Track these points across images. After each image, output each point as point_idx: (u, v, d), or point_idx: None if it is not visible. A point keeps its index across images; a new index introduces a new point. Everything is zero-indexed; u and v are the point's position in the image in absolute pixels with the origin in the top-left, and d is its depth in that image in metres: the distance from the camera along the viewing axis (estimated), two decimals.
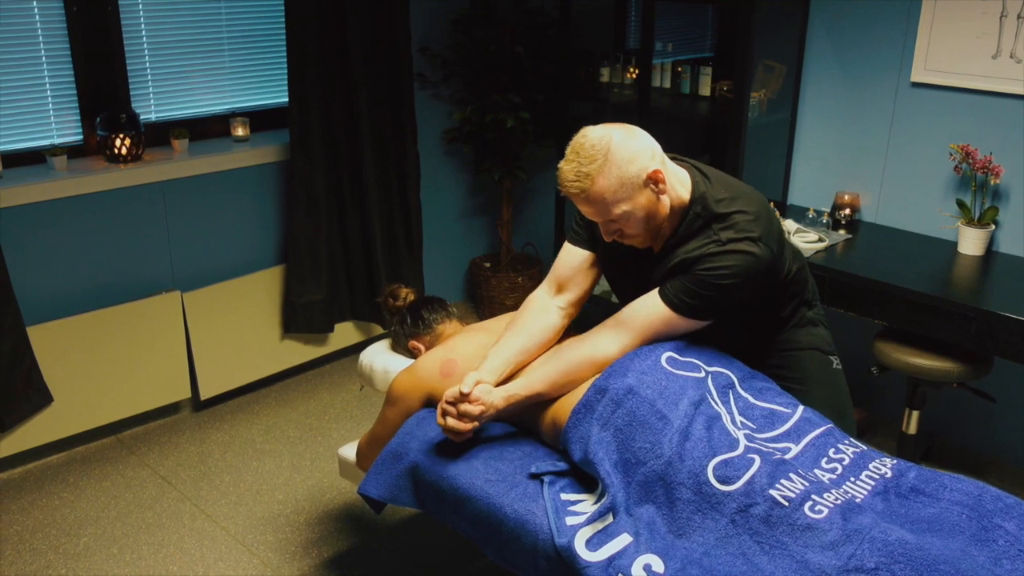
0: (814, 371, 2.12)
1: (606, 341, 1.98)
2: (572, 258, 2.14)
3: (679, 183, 1.94)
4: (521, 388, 1.96)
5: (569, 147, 1.87)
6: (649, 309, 1.96)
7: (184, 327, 3.29)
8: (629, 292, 2.07)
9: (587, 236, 2.12)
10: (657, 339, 1.98)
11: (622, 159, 1.83)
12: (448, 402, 1.91)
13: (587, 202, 1.86)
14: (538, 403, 1.99)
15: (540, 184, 4.27)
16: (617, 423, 1.82)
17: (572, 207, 2.06)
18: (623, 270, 2.11)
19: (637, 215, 1.87)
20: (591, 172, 1.82)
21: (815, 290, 2.22)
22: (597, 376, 1.92)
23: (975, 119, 2.96)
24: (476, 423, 1.92)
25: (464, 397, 1.89)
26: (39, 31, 2.97)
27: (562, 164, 1.87)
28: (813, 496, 1.67)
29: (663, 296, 1.95)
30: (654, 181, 1.86)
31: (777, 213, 2.11)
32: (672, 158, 2.00)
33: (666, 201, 1.91)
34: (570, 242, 2.15)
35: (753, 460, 1.72)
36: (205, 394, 3.41)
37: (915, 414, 2.90)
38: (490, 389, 1.94)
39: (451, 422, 1.91)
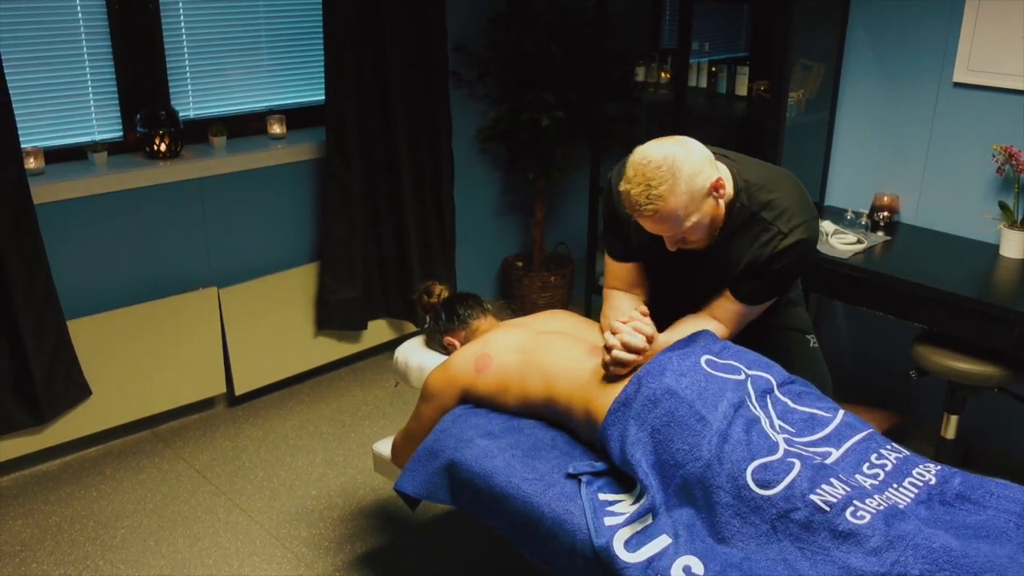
0: (796, 352, 2.24)
1: (712, 325, 2.10)
2: (625, 270, 2.22)
3: (727, 180, 2.00)
4: (674, 336, 2.04)
5: (630, 168, 1.88)
6: (735, 308, 2.09)
7: (220, 323, 3.32)
8: (674, 292, 2.18)
9: (626, 250, 2.19)
10: (740, 327, 2.12)
11: (689, 175, 1.86)
12: (622, 321, 1.95)
13: (660, 221, 1.89)
14: (575, 396, 1.98)
15: (573, 183, 4.26)
16: (655, 423, 1.80)
17: (614, 225, 2.18)
18: (667, 274, 2.19)
19: (703, 223, 1.93)
20: (662, 193, 1.84)
21: None
22: (634, 372, 1.92)
23: (1019, 120, 2.91)
24: (647, 348, 1.92)
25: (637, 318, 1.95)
26: (81, 29, 3.01)
27: (627, 187, 1.88)
28: (855, 501, 1.64)
29: (740, 297, 2.07)
30: (716, 188, 1.92)
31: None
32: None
33: (723, 204, 1.97)
34: (615, 259, 2.22)
35: (793, 464, 1.70)
36: (240, 389, 3.44)
37: (954, 419, 2.86)
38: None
39: (626, 337, 1.91)
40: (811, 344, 2.30)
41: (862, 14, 3.21)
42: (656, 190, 1.84)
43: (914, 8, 3.08)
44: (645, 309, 2.01)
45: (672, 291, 2.20)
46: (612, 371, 1.93)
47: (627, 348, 1.91)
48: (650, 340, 1.94)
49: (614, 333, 1.93)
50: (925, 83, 3.11)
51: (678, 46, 3.43)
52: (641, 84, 3.76)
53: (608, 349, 1.93)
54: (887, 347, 3.38)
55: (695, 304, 2.15)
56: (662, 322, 2.11)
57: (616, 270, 2.23)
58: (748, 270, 2.03)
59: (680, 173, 1.85)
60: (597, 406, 1.92)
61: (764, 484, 1.67)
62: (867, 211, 3.23)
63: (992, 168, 2.97)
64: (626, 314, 1.99)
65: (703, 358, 1.93)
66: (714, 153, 2.02)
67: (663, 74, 3.72)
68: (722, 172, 1.98)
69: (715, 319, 2.11)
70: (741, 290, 2.07)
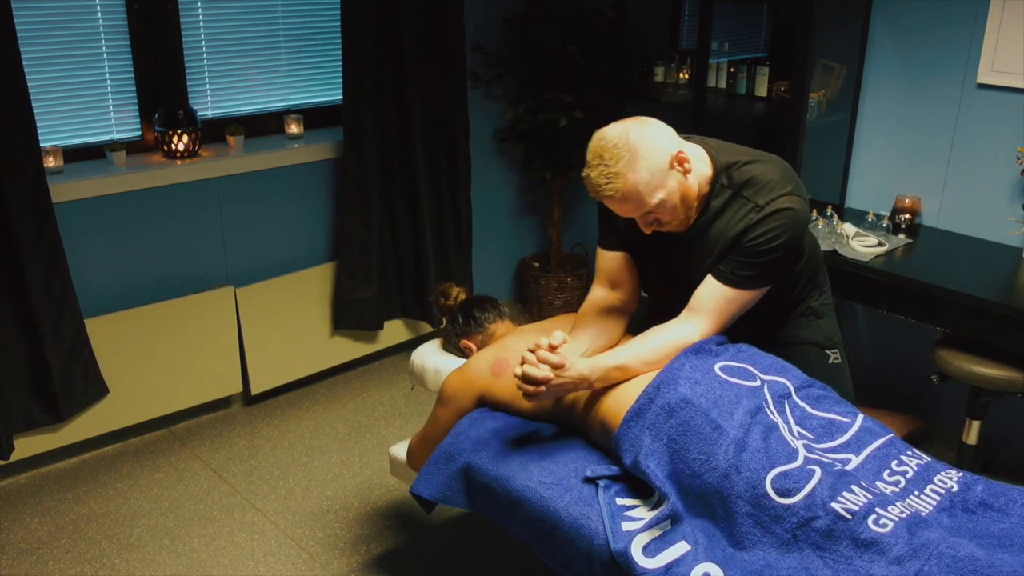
0: (811, 369, 2.10)
1: (687, 328, 1.98)
2: (613, 260, 2.15)
3: (699, 160, 1.97)
4: (606, 359, 1.94)
5: (589, 152, 1.88)
6: (714, 293, 1.97)
7: (237, 322, 3.33)
8: (666, 280, 2.10)
9: (617, 240, 2.14)
10: (731, 317, 1.99)
11: (645, 149, 1.84)
12: (530, 350, 1.87)
13: (623, 201, 1.87)
14: (589, 403, 1.96)
15: None
16: (670, 433, 1.78)
17: (605, 213, 2.10)
18: (656, 261, 2.11)
19: (672, 200, 1.89)
20: (620, 171, 1.83)
21: (827, 276, 2.27)
22: (648, 382, 1.89)
23: None
24: (551, 378, 1.84)
25: (551, 348, 1.87)
26: (101, 28, 3.01)
27: (588, 171, 1.87)
28: (877, 509, 1.62)
29: (721, 278, 1.97)
30: (679, 162, 1.88)
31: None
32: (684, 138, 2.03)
33: (693, 180, 1.93)
34: (604, 248, 2.16)
35: (813, 472, 1.68)
36: (256, 389, 3.44)
37: (976, 424, 2.83)
38: (575, 352, 1.93)
39: (527, 368, 1.85)
40: (831, 360, 2.19)
41: (885, 14, 3.18)
42: (613, 168, 1.82)
43: (938, 8, 3.04)
44: (560, 338, 1.90)
45: (668, 284, 2.11)
46: (524, 394, 1.89)
47: (527, 380, 1.85)
48: (559, 367, 1.86)
49: (523, 362, 1.88)
50: (948, 84, 3.07)
51: (698, 46, 3.41)
52: (660, 84, 3.74)
53: (521, 363, 1.89)
54: (908, 351, 3.34)
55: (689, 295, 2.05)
56: (664, 317, 2.07)
57: (602, 261, 2.16)
58: (726, 246, 1.96)
59: (637, 149, 1.83)
60: (611, 414, 1.90)
61: (784, 492, 1.65)
62: (888, 213, 3.19)
63: (1016, 170, 2.93)
64: (555, 337, 1.91)
65: (718, 364, 1.90)
66: (687, 136, 2.00)
67: (682, 74, 3.69)
68: (692, 150, 1.96)
69: (694, 313, 1.98)
70: (719, 269, 1.97)
